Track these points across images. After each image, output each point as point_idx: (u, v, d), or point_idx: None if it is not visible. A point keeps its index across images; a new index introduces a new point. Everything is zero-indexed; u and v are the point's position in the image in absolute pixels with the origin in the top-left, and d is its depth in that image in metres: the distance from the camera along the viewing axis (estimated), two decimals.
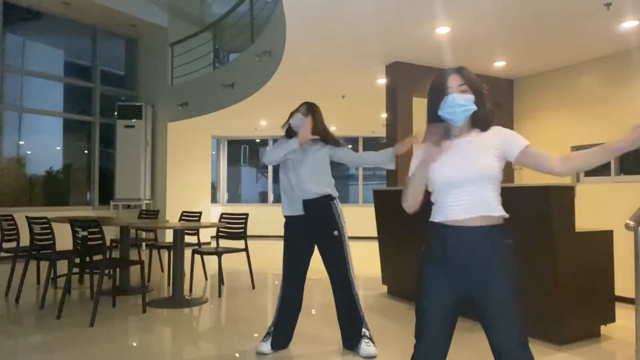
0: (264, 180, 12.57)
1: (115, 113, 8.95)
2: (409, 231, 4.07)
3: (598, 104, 5.79)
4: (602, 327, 3.48)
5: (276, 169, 3.26)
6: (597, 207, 4.29)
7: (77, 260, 4.23)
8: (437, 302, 1.67)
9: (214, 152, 11.20)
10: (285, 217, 3.15)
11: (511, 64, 6.16)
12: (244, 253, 5.14)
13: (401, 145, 2.81)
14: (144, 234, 7.21)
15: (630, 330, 3.12)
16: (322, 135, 3.13)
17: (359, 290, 3.12)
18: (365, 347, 3.00)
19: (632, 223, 2.47)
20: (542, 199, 3.31)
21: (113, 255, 5.51)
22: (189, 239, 5.22)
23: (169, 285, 5.29)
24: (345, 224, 3.09)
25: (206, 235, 7.56)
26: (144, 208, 8.68)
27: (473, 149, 1.65)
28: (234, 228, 5.22)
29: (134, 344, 3.44)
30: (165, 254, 6.32)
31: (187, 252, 4.82)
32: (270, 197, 11.94)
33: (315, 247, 3.12)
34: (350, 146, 3.28)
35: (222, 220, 5.44)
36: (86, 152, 9.02)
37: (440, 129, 1.61)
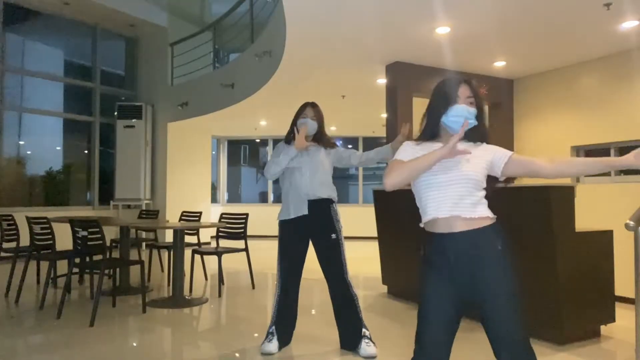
0: (264, 180, 12.57)
1: (115, 113, 8.95)
2: (409, 231, 4.07)
3: (598, 104, 5.79)
4: (602, 327, 3.48)
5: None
6: (597, 207, 4.29)
7: (77, 260, 4.24)
8: (438, 308, 1.66)
9: (214, 152, 11.20)
10: (283, 221, 3.11)
11: (511, 64, 6.16)
12: (244, 253, 5.14)
13: (398, 139, 2.85)
14: (144, 234, 7.21)
15: (630, 330, 3.12)
16: (321, 137, 3.13)
17: (357, 290, 3.12)
18: (366, 347, 3.00)
19: (632, 223, 2.47)
20: (542, 199, 3.31)
21: (113, 255, 5.51)
22: (189, 239, 5.22)
23: (169, 285, 5.29)
24: (342, 228, 3.11)
25: (206, 235, 7.56)
26: (144, 208, 8.68)
27: (462, 156, 1.66)
28: (234, 228, 5.22)
29: (134, 344, 3.44)
30: (165, 254, 6.32)
31: (187, 252, 4.83)
32: (270, 197, 11.94)
33: (311, 249, 3.13)
34: (350, 146, 3.28)
35: (222, 220, 5.44)
36: (86, 152, 9.02)
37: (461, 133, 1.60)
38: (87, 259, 4.40)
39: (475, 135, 1.71)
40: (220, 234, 5.37)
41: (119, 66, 9.90)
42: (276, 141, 11.76)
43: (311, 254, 3.13)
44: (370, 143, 11.33)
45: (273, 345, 3.06)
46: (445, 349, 1.67)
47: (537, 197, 3.36)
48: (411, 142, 1.79)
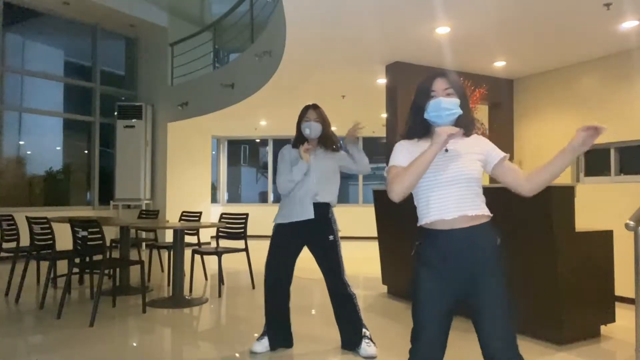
0: (264, 181, 12.57)
1: (115, 113, 8.95)
2: (408, 231, 4.07)
3: (598, 104, 5.79)
4: (602, 327, 3.48)
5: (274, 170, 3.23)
6: (597, 207, 4.29)
7: (77, 260, 4.24)
8: (433, 307, 1.67)
9: (214, 152, 11.20)
10: (280, 224, 3.06)
11: (511, 64, 6.16)
12: (244, 253, 5.14)
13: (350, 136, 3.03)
14: (144, 234, 7.21)
15: (630, 330, 3.12)
16: (326, 140, 3.11)
17: (355, 290, 3.11)
18: (366, 347, 3.00)
19: (632, 223, 2.47)
20: (542, 199, 3.31)
21: (113, 255, 5.51)
22: (189, 239, 5.22)
23: (169, 285, 5.29)
24: (339, 231, 3.10)
25: (206, 235, 7.57)
26: (144, 208, 8.67)
27: (455, 152, 1.68)
28: (234, 228, 5.22)
29: (134, 344, 3.44)
30: (165, 254, 6.32)
31: (187, 252, 4.82)
32: (270, 197, 11.94)
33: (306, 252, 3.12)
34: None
35: (222, 220, 5.44)
36: (86, 152, 9.02)
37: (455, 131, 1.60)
38: (87, 259, 4.40)
39: (461, 125, 1.71)
40: (220, 234, 5.37)
41: (119, 66, 9.90)
42: (276, 141, 11.75)
43: (308, 253, 3.13)
44: (371, 143, 11.33)
45: (260, 345, 3.07)
46: (440, 347, 1.68)
47: (537, 197, 3.33)
48: (404, 141, 1.78)
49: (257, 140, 12.58)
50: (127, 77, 9.84)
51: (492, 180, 5.81)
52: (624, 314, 3.58)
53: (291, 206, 3.01)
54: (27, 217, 4.52)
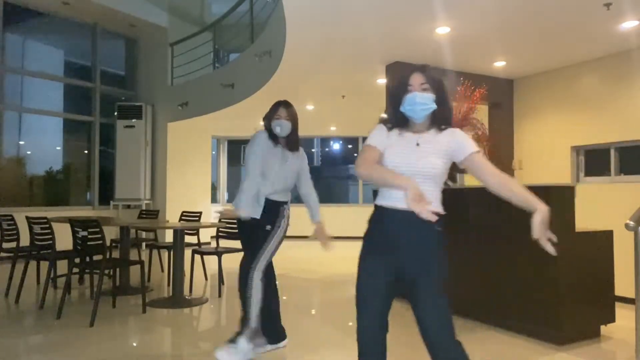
0: None
1: (115, 113, 8.95)
2: None
3: (598, 104, 5.79)
4: (602, 327, 3.48)
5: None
6: (597, 207, 4.29)
7: (77, 260, 4.23)
8: (374, 284, 1.77)
9: (214, 152, 11.20)
10: (245, 220, 2.98)
11: (511, 64, 6.16)
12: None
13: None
14: (144, 234, 7.21)
15: (630, 330, 3.12)
16: (292, 139, 3.05)
17: (258, 292, 2.91)
18: (229, 349, 2.86)
19: (632, 223, 2.47)
20: (542, 199, 3.31)
21: (113, 255, 5.51)
22: (189, 239, 5.22)
23: (169, 285, 5.29)
24: (282, 228, 3.01)
25: (206, 235, 7.56)
26: (144, 208, 8.67)
27: (425, 148, 1.75)
28: (234, 228, 5.20)
29: (134, 344, 3.44)
30: (165, 254, 6.32)
31: (187, 252, 4.82)
32: None
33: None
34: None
35: (222, 220, 5.43)
36: (86, 152, 9.02)
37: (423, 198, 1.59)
38: (87, 259, 4.40)
39: (439, 119, 1.79)
40: (220, 234, 5.36)
41: (119, 66, 9.90)
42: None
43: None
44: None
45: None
46: (382, 317, 1.80)
47: (537, 197, 3.36)
48: (383, 126, 1.85)
49: None
50: (127, 77, 9.84)
51: None
52: (624, 314, 3.58)
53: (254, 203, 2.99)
54: (27, 217, 4.52)
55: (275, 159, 3.00)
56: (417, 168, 1.72)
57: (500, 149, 6.55)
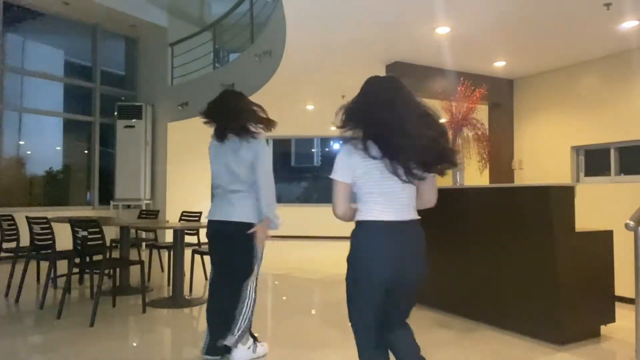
0: None
1: (115, 113, 8.95)
2: None
3: (598, 104, 5.79)
4: (602, 327, 3.48)
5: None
6: (597, 207, 4.29)
7: (77, 260, 4.23)
8: (374, 306, 1.77)
9: None
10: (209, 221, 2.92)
11: (511, 64, 6.16)
12: None
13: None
14: (144, 234, 7.20)
15: (630, 330, 3.12)
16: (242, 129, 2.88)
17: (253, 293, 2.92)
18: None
19: (632, 223, 2.47)
20: (542, 199, 3.31)
21: (113, 255, 5.51)
22: (189, 239, 5.22)
23: (169, 285, 5.29)
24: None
25: None
26: (144, 208, 8.67)
27: None
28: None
29: (134, 344, 3.44)
30: (165, 254, 6.31)
31: (187, 252, 4.82)
32: None
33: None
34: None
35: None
36: (86, 152, 9.02)
37: None
38: (87, 259, 4.40)
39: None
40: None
41: (119, 66, 9.90)
42: (276, 141, 11.72)
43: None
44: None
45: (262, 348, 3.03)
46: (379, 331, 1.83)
47: (537, 197, 3.37)
48: (347, 150, 1.84)
49: None
50: (127, 77, 9.84)
51: (492, 180, 5.85)
52: (624, 314, 3.58)
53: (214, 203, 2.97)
54: (27, 217, 4.52)
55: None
56: (395, 184, 1.74)
57: (500, 149, 6.54)
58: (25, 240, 4.66)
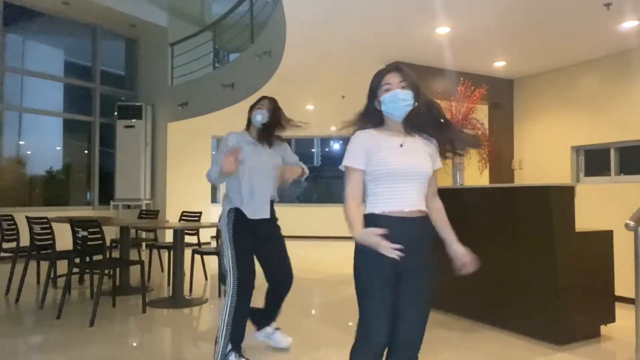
0: None
1: (115, 113, 8.95)
2: None
3: (598, 104, 5.79)
4: (602, 327, 3.48)
5: None
6: (597, 207, 4.29)
7: (77, 260, 4.23)
8: (384, 297, 1.71)
9: (214, 152, 11.19)
10: (241, 214, 2.83)
11: (511, 64, 6.16)
12: None
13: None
14: (144, 234, 7.21)
15: (630, 330, 3.12)
16: (270, 133, 2.97)
17: (232, 307, 2.80)
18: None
19: (632, 223, 2.47)
20: (542, 199, 3.31)
21: (113, 255, 5.51)
22: (189, 239, 5.22)
23: (169, 285, 5.29)
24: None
25: (206, 235, 7.55)
26: (144, 208, 8.67)
27: (417, 149, 1.76)
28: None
29: (134, 344, 3.44)
30: (165, 254, 6.32)
31: (187, 252, 4.82)
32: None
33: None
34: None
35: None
36: (86, 152, 9.02)
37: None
38: (87, 259, 4.40)
39: (416, 117, 1.78)
40: (220, 234, 5.36)
41: (119, 66, 9.90)
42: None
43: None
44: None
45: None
46: (390, 328, 1.73)
47: (537, 197, 3.37)
48: (361, 134, 1.83)
49: None
50: (127, 77, 9.84)
51: (492, 180, 5.85)
52: (624, 314, 3.58)
53: (248, 200, 2.84)
54: (27, 217, 4.52)
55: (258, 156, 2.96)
56: (406, 169, 1.72)
57: (500, 149, 6.54)
58: (25, 240, 4.66)
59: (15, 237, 4.86)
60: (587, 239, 3.42)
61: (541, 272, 3.30)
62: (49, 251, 4.35)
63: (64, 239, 4.40)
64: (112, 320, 3.97)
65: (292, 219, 7.77)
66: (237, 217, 2.83)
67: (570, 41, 5.29)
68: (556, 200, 3.26)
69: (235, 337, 2.78)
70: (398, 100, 1.74)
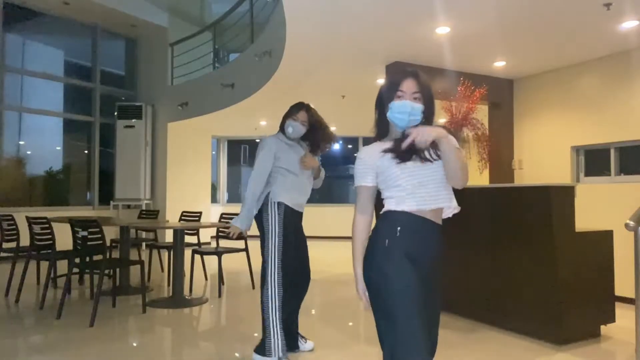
0: None
1: (115, 113, 8.95)
2: None
3: (598, 104, 5.79)
4: (602, 327, 3.48)
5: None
6: (597, 207, 4.29)
7: (77, 260, 4.24)
8: (421, 308, 1.60)
9: (214, 152, 11.20)
10: (288, 207, 2.93)
11: (511, 64, 6.16)
12: (244, 253, 5.14)
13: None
14: (144, 234, 7.21)
15: (630, 330, 3.12)
16: (314, 142, 3.12)
17: (278, 296, 2.90)
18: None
19: (632, 223, 2.47)
20: (542, 199, 3.31)
21: (113, 255, 5.51)
22: (189, 239, 5.22)
23: (169, 285, 5.29)
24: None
25: (206, 235, 7.56)
26: (144, 208, 8.67)
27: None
28: (228, 229, 5.21)
29: (134, 344, 3.44)
30: (165, 254, 6.32)
31: (187, 252, 4.83)
32: None
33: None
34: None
35: (222, 220, 5.43)
36: (86, 152, 9.02)
37: None
38: (87, 259, 4.41)
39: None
40: (220, 234, 5.37)
41: (119, 66, 9.90)
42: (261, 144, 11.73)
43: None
44: (370, 143, 11.32)
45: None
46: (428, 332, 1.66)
47: (537, 197, 3.36)
48: (367, 151, 1.73)
49: (257, 140, 12.57)
50: (127, 77, 9.84)
51: (492, 180, 5.86)
52: (624, 314, 3.58)
53: (294, 193, 2.99)
54: (27, 217, 4.52)
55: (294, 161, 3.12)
56: (431, 170, 1.64)
57: (500, 149, 6.54)
58: (25, 240, 4.66)
59: (15, 237, 4.86)
60: (587, 239, 3.42)
61: (541, 272, 3.30)
62: (49, 251, 4.35)
63: (64, 239, 4.40)
64: (112, 320, 3.97)
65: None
66: (286, 211, 2.93)
67: (570, 41, 5.29)
68: (556, 200, 3.26)
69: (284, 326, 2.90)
70: (406, 112, 1.63)
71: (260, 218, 2.96)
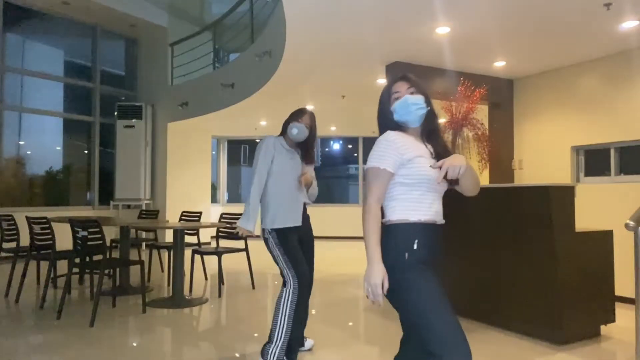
0: None
1: (115, 113, 8.95)
2: None
3: (598, 104, 5.79)
4: (602, 327, 3.48)
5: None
6: (597, 207, 4.29)
7: (77, 260, 4.23)
8: (447, 301, 1.63)
9: (214, 152, 11.20)
10: (281, 229, 2.92)
11: (511, 64, 6.16)
12: (244, 253, 5.14)
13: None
14: (144, 234, 7.21)
15: (630, 330, 3.12)
16: (308, 150, 3.08)
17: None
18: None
19: (632, 223, 2.47)
20: (542, 199, 3.31)
21: (113, 255, 5.51)
22: (189, 239, 5.22)
23: (169, 285, 5.29)
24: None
25: (206, 235, 7.56)
26: (144, 208, 8.67)
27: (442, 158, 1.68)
28: (234, 228, 5.21)
29: (134, 344, 3.44)
30: (165, 254, 6.32)
31: (187, 252, 4.83)
32: None
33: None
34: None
35: (222, 220, 5.43)
36: (86, 152, 9.02)
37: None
38: (87, 259, 4.40)
39: (429, 123, 1.74)
40: (220, 234, 5.37)
41: (119, 66, 9.90)
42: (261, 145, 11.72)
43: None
44: (370, 143, 11.32)
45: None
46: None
47: (537, 197, 3.36)
48: (395, 135, 1.67)
49: (257, 140, 12.57)
50: (127, 77, 9.84)
51: (492, 180, 5.87)
52: (624, 314, 3.58)
53: (282, 210, 2.96)
54: (27, 217, 4.52)
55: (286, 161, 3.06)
56: (441, 192, 1.71)
57: (500, 149, 6.54)
58: (25, 240, 4.66)
59: (15, 237, 4.86)
60: (587, 239, 3.42)
61: (541, 272, 3.30)
62: (49, 251, 4.35)
63: (64, 239, 4.40)
64: (112, 320, 3.97)
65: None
66: (284, 233, 2.93)
67: (570, 41, 5.29)
68: (556, 200, 3.26)
69: (295, 332, 2.85)
70: (408, 105, 1.67)
71: (264, 238, 2.99)
